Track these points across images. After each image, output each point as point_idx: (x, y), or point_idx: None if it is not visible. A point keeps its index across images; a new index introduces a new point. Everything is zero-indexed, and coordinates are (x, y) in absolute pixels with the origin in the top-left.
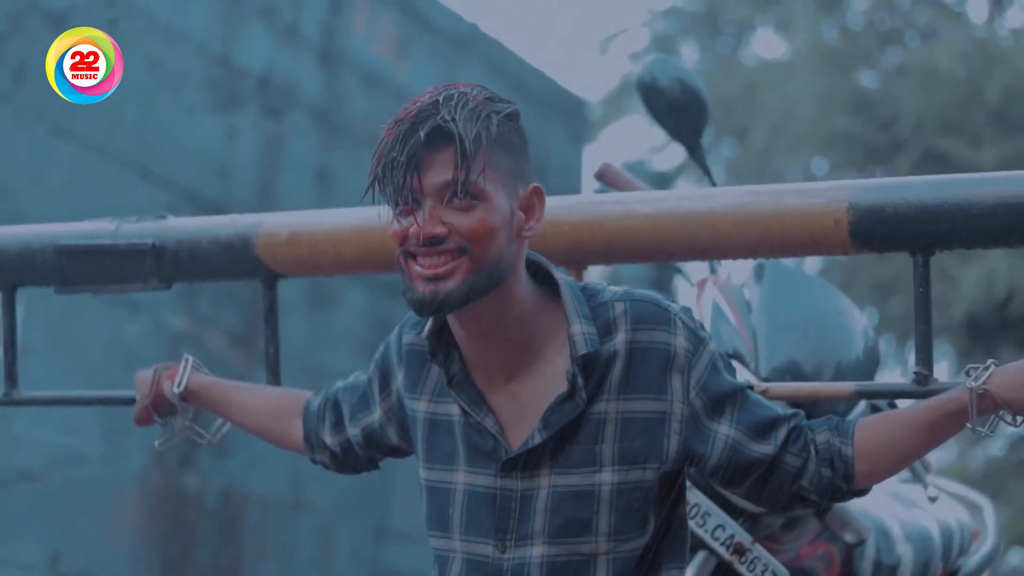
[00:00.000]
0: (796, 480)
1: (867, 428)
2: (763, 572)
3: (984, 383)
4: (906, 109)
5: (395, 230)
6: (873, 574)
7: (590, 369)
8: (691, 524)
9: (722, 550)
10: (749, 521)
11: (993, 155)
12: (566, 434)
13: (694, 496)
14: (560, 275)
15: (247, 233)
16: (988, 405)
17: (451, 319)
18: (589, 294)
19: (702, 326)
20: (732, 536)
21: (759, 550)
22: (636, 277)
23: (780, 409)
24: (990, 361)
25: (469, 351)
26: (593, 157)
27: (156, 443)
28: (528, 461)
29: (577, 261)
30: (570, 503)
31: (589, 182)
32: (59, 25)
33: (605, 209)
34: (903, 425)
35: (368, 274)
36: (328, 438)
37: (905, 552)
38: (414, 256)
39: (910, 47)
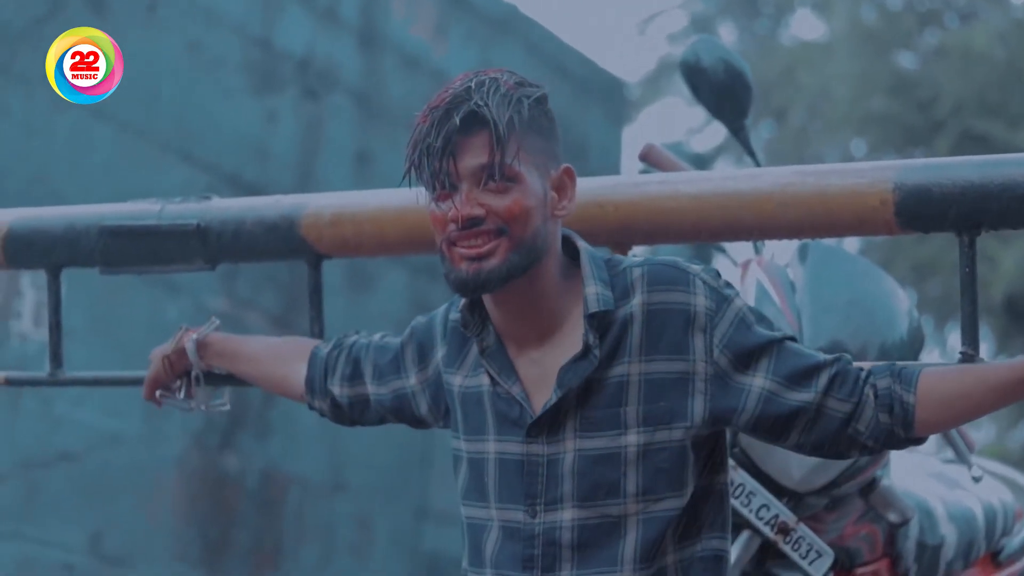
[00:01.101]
0: (850, 423)
1: (934, 378)
2: (807, 551)
3: None
4: (945, 90)
5: (434, 214)
6: (916, 554)
7: (604, 329)
8: (735, 504)
9: (766, 529)
10: (793, 501)
11: None
12: (589, 398)
13: (739, 476)
14: (583, 244)
15: (291, 214)
16: None
17: (487, 298)
18: (612, 264)
19: (728, 284)
20: (776, 516)
21: (803, 530)
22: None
23: (822, 356)
24: None
25: (503, 326)
26: (632, 138)
27: (157, 393)
28: (552, 426)
29: (621, 242)
30: (596, 466)
31: (628, 163)
32: (98, 8)
33: (649, 189)
34: (976, 380)
35: (411, 255)
36: (336, 388)
37: (948, 532)
38: (455, 243)
39: (949, 28)
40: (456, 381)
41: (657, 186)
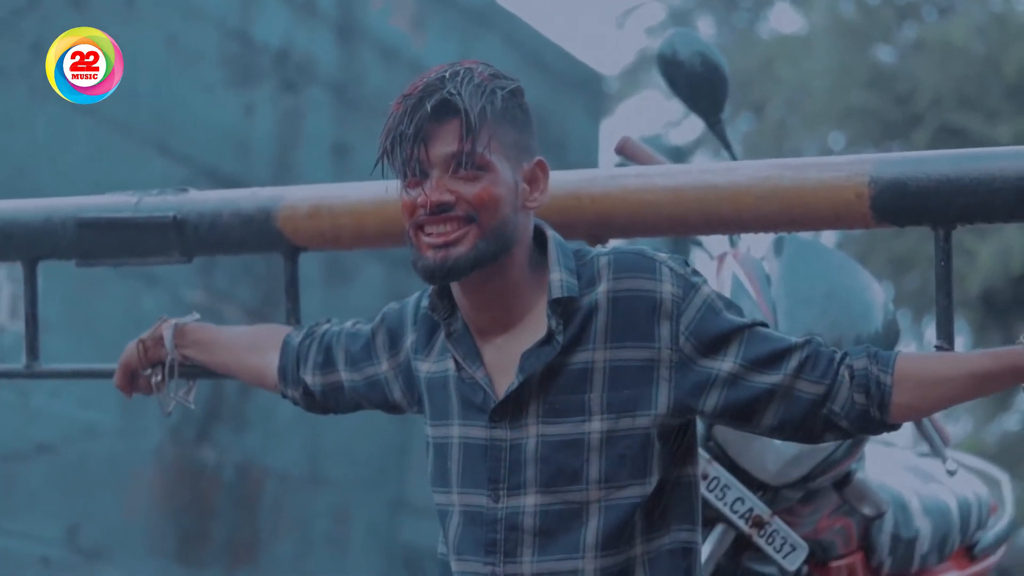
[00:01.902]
0: (824, 404)
1: (912, 361)
2: (782, 545)
3: None
4: (923, 84)
5: (405, 201)
6: (891, 547)
7: (569, 315)
8: (710, 497)
9: (741, 523)
10: (768, 494)
11: (1009, 130)
12: (553, 384)
13: (713, 469)
14: (552, 233)
15: (268, 206)
16: None
17: (455, 287)
18: (580, 254)
19: (695, 272)
20: (751, 509)
21: (778, 523)
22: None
23: (793, 339)
24: None
25: (470, 314)
26: (610, 131)
27: (144, 372)
28: (515, 411)
29: (598, 235)
30: (559, 452)
31: (607, 156)
32: (77, 2)
33: (627, 183)
34: (955, 366)
35: (389, 248)
36: (309, 376)
37: (923, 526)
38: (422, 227)
39: (927, 22)
40: (423, 367)
41: (634, 179)
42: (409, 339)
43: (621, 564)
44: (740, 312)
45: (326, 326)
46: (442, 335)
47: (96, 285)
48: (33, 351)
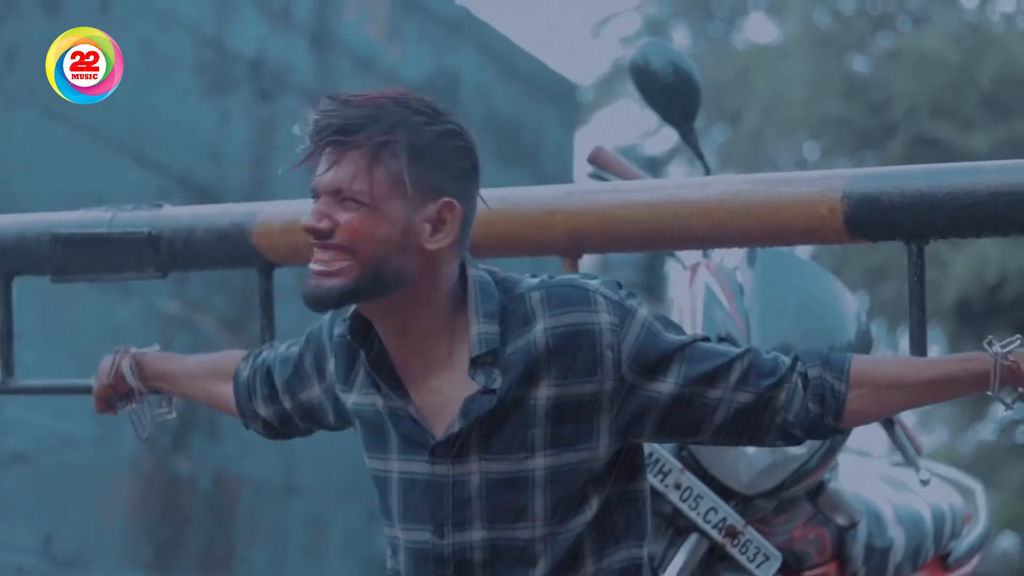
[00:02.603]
0: (772, 411)
1: (869, 366)
2: (755, 555)
3: (1010, 354)
4: (898, 93)
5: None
6: (865, 557)
7: (505, 362)
8: (683, 507)
9: (714, 533)
10: (742, 504)
11: (985, 140)
12: (494, 422)
13: (686, 479)
14: (473, 272)
15: (243, 222)
16: (1007, 377)
17: (367, 313)
18: (506, 287)
19: (630, 295)
20: (724, 519)
21: (751, 533)
22: (628, 262)
23: (733, 351)
24: (1016, 336)
25: (390, 349)
26: (585, 141)
27: (120, 404)
28: (458, 449)
29: (573, 250)
30: (503, 490)
31: (581, 166)
32: (52, 9)
33: (601, 198)
34: (913, 372)
35: None
36: (262, 409)
37: (897, 535)
38: (314, 251)
39: (902, 31)
40: (351, 399)
41: (608, 195)
42: (331, 365)
43: None
44: (679, 330)
45: (265, 353)
46: (363, 364)
47: (71, 296)
48: (8, 367)
